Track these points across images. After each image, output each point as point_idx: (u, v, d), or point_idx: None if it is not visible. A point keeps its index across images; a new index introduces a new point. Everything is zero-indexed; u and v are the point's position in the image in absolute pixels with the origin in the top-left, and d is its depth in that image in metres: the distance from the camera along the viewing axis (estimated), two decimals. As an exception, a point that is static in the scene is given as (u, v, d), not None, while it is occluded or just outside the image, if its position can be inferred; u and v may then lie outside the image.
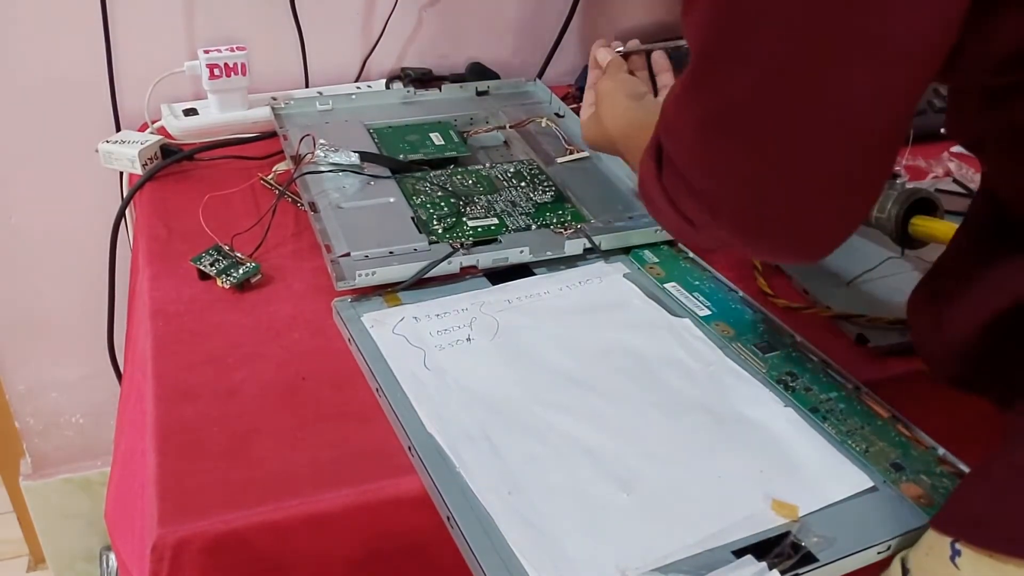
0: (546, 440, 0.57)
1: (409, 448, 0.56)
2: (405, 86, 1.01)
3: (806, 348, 0.66)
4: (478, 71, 1.06)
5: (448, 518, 0.52)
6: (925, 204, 0.74)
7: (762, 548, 0.50)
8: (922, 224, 0.73)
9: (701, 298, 0.71)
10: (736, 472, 0.55)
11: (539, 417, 0.59)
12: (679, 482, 0.55)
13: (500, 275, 0.72)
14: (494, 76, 1.05)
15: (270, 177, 0.83)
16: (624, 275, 0.73)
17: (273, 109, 0.92)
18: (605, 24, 1.12)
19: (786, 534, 0.51)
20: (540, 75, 1.09)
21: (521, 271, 0.73)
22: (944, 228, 0.71)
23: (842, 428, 0.59)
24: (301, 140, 0.83)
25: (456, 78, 1.05)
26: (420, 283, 0.70)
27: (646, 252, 0.76)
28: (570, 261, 0.74)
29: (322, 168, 0.80)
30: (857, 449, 0.58)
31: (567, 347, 0.65)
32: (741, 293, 0.72)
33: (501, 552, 0.49)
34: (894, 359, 0.67)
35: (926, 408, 0.61)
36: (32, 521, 1.25)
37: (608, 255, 0.75)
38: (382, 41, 1.04)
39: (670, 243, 0.77)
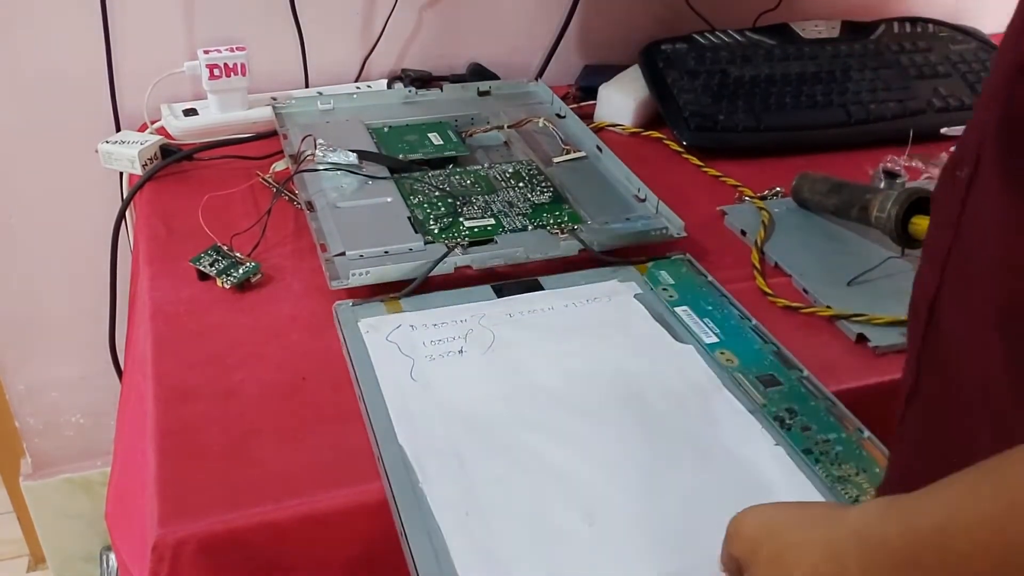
0: (517, 461, 0.55)
1: (377, 458, 0.56)
2: (406, 86, 1.01)
3: (813, 384, 0.63)
4: (478, 73, 1.06)
5: (401, 534, 0.51)
6: (925, 204, 0.74)
7: None
8: (922, 224, 0.73)
9: (711, 324, 0.68)
10: (710, 509, 0.50)
11: (516, 437, 0.57)
12: (647, 515, 0.52)
13: (508, 288, 0.71)
14: (494, 78, 1.05)
15: (268, 176, 0.83)
16: (635, 295, 0.71)
17: (274, 108, 0.92)
18: (605, 24, 1.12)
19: None
20: (540, 75, 1.09)
21: (531, 285, 0.71)
22: (944, 228, 0.71)
23: (834, 472, 0.56)
24: (303, 140, 0.83)
25: (456, 79, 1.05)
26: (423, 289, 0.69)
27: (663, 272, 0.73)
28: (582, 276, 0.72)
29: (320, 167, 0.80)
30: (847, 496, 0.54)
31: (559, 366, 0.63)
32: (754, 322, 0.69)
33: (446, 574, 0.48)
34: (894, 359, 0.67)
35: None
36: (32, 521, 1.25)
37: (621, 272, 0.73)
38: (382, 41, 1.04)
39: (688, 261, 0.75)
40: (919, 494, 0.35)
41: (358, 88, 1.01)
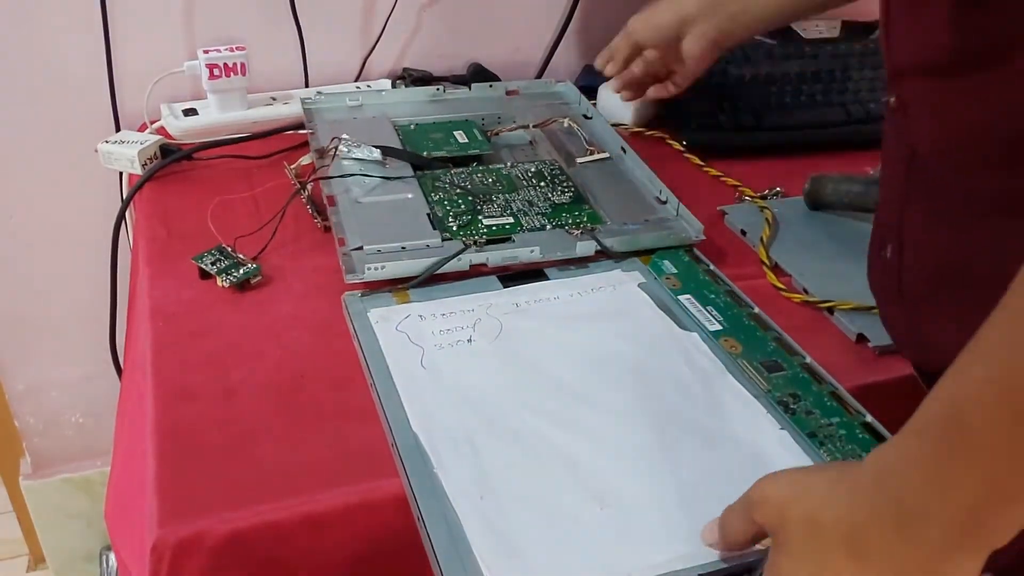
0: (529, 447, 0.56)
1: (392, 445, 0.56)
2: (407, 86, 1.01)
3: (815, 370, 0.63)
4: (478, 73, 1.06)
5: (418, 519, 0.52)
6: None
7: (732, 574, 0.49)
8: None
9: (714, 312, 0.69)
10: (718, 493, 0.52)
11: (526, 423, 0.58)
12: (656, 499, 0.53)
13: (513, 278, 0.72)
14: (494, 78, 1.05)
15: (293, 167, 0.83)
16: (639, 284, 0.72)
17: (303, 103, 0.92)
18: (605, 24, 1.12)
19: (761, 560, 0.46)
20: (540, 75, 1.09)
21: (536, 275, 0.72)
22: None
23: (838, 456, 0.56)
24: (333, 140, 0.83)
25: (456, 79, 1.05)
26: (431, 281, 0.70)
27: (665, 262, 0.74)
28: (586, 267, 0.73)
29: (344, 162, 0.81)
30: None
31: (567, 354, 0.64)
32: (756, 309, 0.69)
33: (464, 557, 0.49)
34: (894, 359, 0.67)
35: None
36: (32, 521, 1.25)
37: (625, 263, 0.74)
38: (382, 41, 1.04)
39: (687, 248, 0.76)
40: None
41: (368, 87, 1.01)
